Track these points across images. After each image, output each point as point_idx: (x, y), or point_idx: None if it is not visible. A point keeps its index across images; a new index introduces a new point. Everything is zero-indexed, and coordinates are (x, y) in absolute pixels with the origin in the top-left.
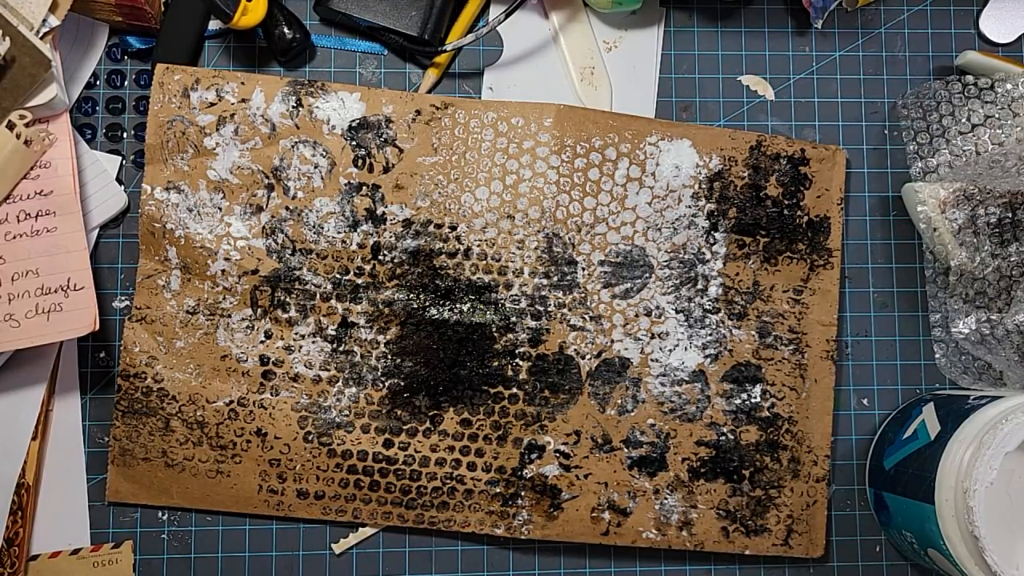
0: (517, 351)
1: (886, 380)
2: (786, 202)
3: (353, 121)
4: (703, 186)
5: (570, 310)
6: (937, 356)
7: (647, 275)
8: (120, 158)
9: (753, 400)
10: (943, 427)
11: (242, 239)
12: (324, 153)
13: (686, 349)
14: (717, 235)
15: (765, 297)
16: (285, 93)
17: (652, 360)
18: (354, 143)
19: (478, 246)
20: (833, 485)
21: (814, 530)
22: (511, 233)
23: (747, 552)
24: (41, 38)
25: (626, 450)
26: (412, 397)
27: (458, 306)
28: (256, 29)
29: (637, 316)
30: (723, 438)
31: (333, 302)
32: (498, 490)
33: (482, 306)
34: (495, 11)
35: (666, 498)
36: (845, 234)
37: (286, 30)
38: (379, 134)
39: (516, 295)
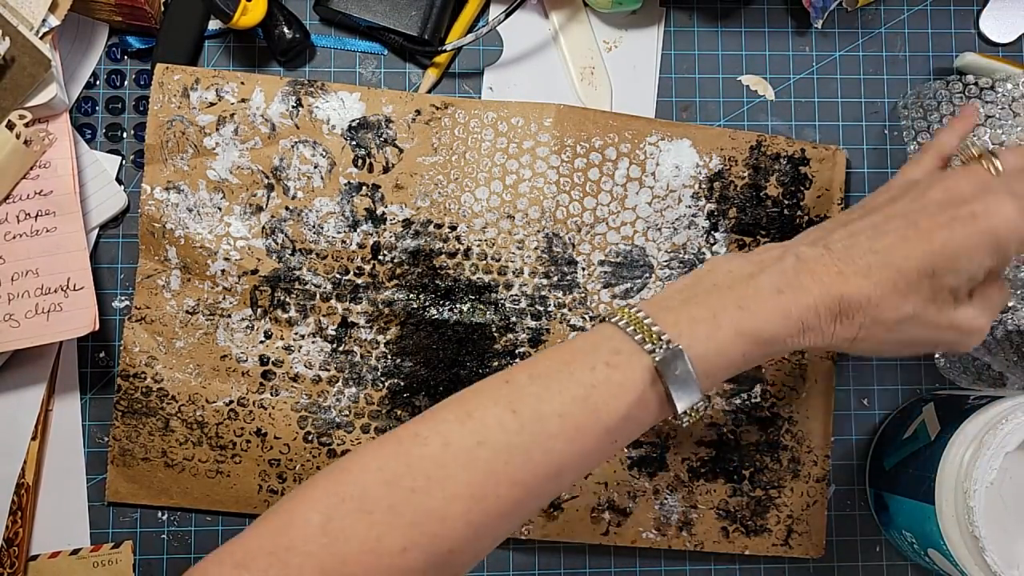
0: (517, 351)
1: (886, 380)
2: (786, 202)
3: (353, 121)
4: (703, 186)
5: (570, 310)
6: (937, 356)
7: (647, 275)
8: (120, 158)
9: (753, 400)
10: (943, 427)
11: (242, 239)
12: (324, 153)
13: None
14: (717, 235)
15: None
16: (285, 93)
17: None
18: (354, 143)
19: (478, 246)
20: (833, 485)
21: (814, 530)
22: (511, 233)
23: (747, 552)
24: (41, 38)
25: (626, 450)
26: (412, 397)
27: (458, 306)
28: (256, 29)
29: None
30: (723, 438)
31: (333, 302)
32: None
33: (482, 306)
34: (495, 11)
35: (666, 498)
36: None
37: (286, 30)
38: (379, 134)
39: (516, 295)
